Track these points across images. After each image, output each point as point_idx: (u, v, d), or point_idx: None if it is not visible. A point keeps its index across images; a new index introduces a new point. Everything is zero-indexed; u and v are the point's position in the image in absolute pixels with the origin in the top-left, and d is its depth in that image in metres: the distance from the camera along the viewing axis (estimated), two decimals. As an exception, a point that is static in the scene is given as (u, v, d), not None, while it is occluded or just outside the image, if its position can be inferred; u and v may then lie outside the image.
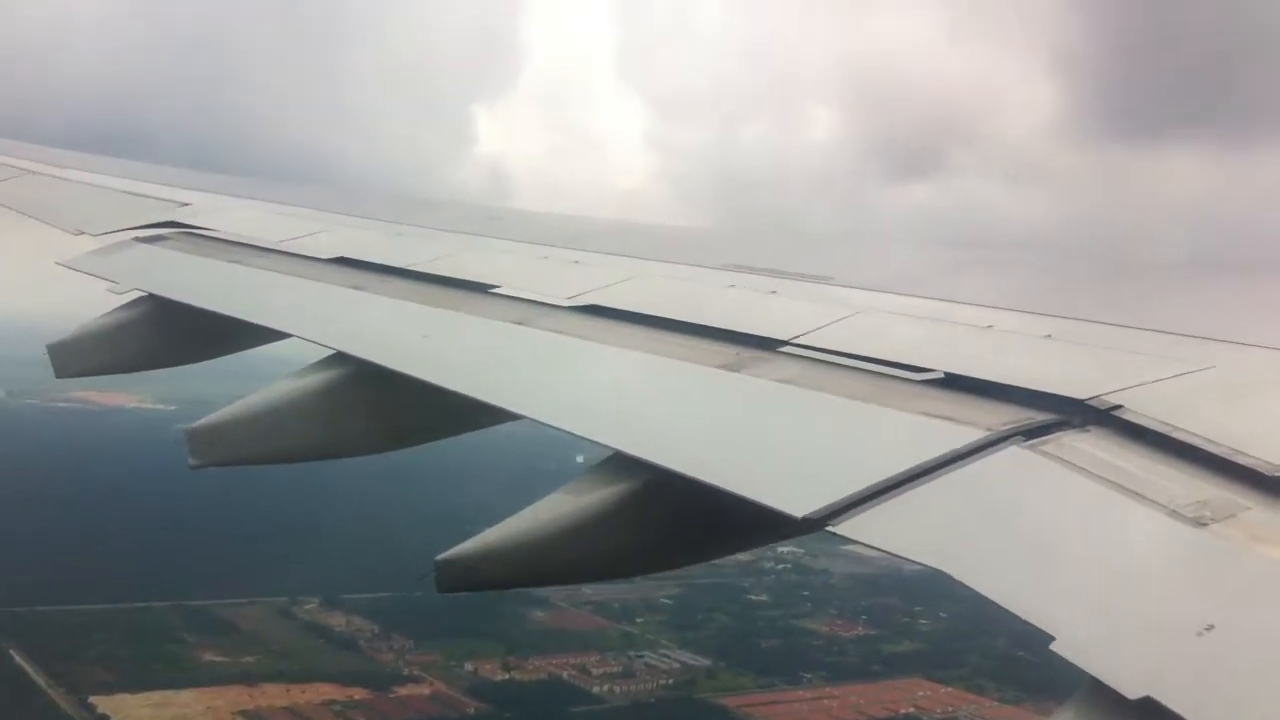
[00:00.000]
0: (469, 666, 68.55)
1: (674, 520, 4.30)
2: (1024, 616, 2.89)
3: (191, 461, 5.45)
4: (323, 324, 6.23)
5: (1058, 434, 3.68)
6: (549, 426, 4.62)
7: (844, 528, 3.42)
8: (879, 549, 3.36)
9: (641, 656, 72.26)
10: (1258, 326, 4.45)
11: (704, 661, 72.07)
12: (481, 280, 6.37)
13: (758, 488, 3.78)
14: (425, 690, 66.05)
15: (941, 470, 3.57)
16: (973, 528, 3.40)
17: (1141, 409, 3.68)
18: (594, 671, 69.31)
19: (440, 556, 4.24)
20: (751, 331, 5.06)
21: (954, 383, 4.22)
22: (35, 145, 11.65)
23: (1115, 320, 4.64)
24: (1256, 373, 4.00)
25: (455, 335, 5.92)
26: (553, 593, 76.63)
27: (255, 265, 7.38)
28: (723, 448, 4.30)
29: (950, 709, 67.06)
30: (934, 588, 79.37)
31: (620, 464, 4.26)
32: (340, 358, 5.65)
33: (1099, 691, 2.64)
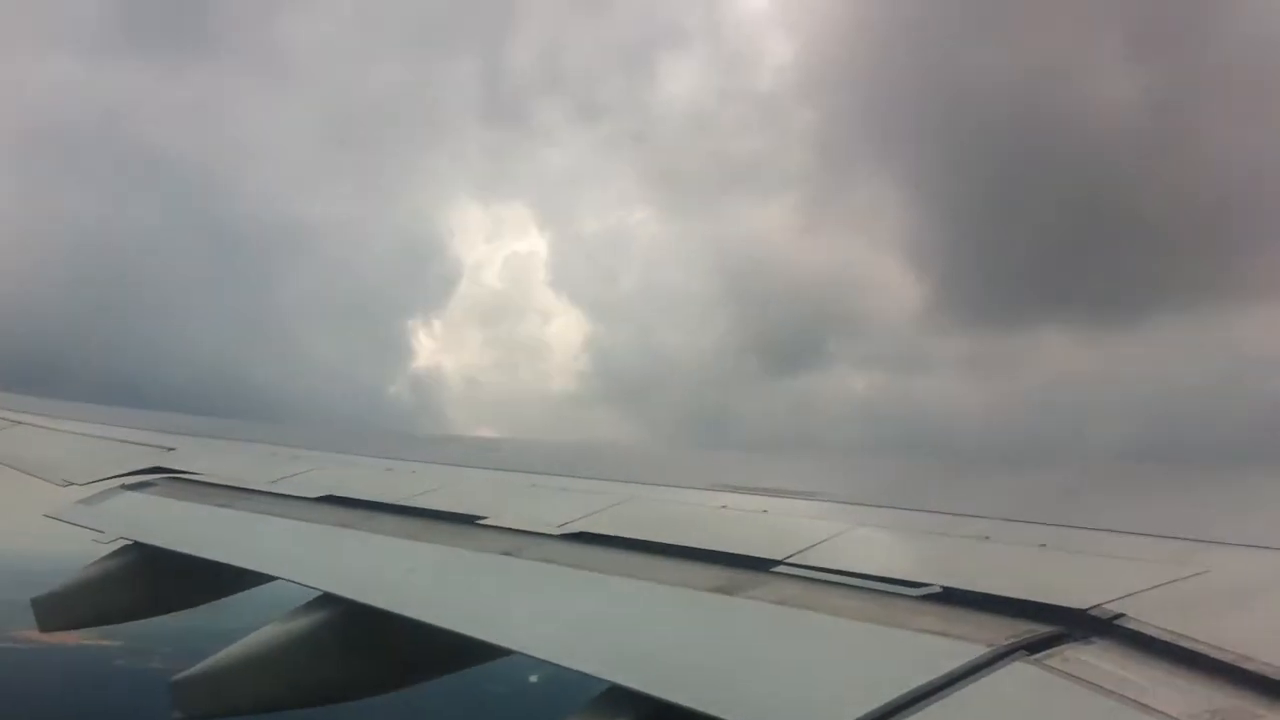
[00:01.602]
0: None
1: None
2: None
3: (176, 715, 5.30)
4: (310, 565, 6.17)
5: (1062, 647, 3.61)
6: (542, 661, 4.52)
7: None
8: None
9: None
10: (1246, 526, 4.43)
11: None
12: (469, 512, 6.35)
13: (757, 716, 3.69)
14: None
15: (946, 689, 3.49)
16: None
17: (1144, 617, 3.63)
18: None
19: None
20: (743, 552, 5.02)
21: (952, 597, 4.17)
22: (18, 395, 11.76)
23: (1106, 525, 4.61)
24: (1253, 575, 3.96)
25: (443, 570, 5.86)
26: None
27: (243, 508, 7.36)
28: (720, 675, 4.19)
29: None
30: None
31: (617, 696, 4.15)
32: (328, 599, 5.57)
33: None
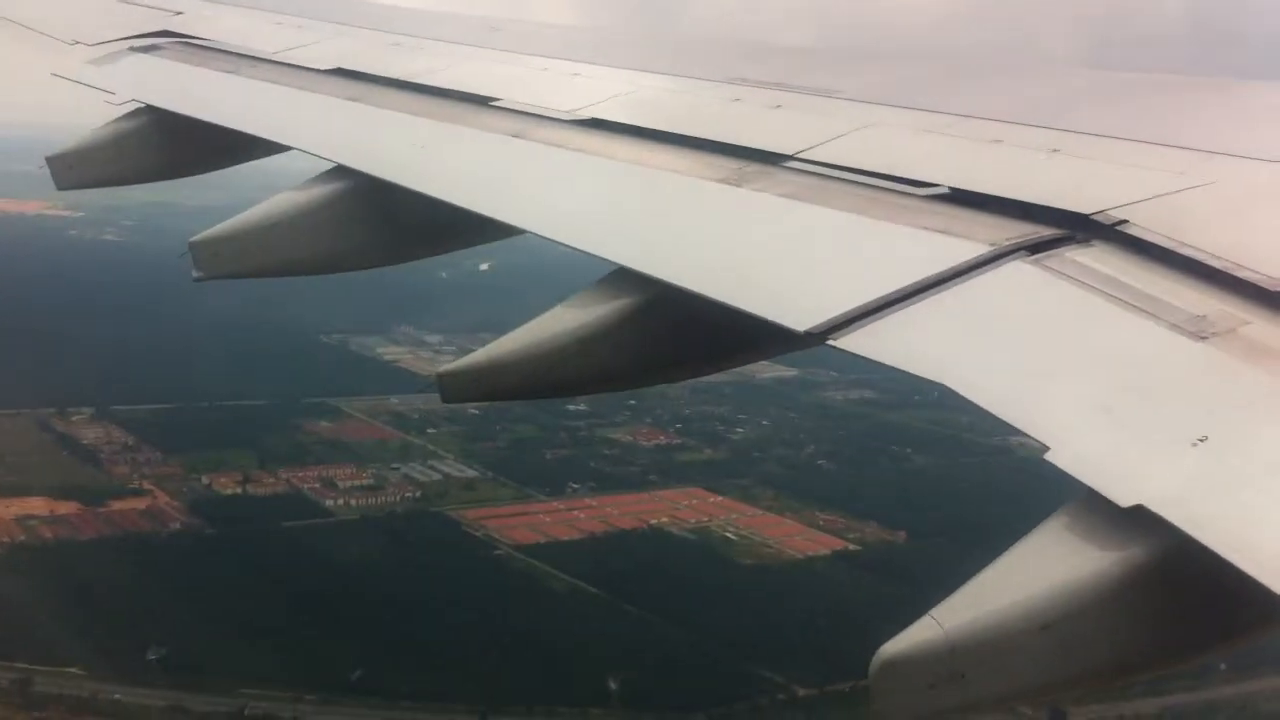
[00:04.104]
0: (205, 480, 63.00)
1: (676, 335, 4.33)
2: (1021, 427, 2.94)
3: (195, 274, 5.45)
4: (322, 137, 6.16)
5: (1062, 249, 3.68)
6: (551, 241, 4.61)
7: (845, 341, 3.45)
8: (880, 362, 3.39)
9: (398, 469, 66.89)
10: (1260, 139, 4.40)
11: (470, 473, 67.07)
12: (481, 93, 6.27)
13: (760, 303, 3.79)
14: (142, 504, 59.88)
15: (944, 285, 3.59)
16: (974, 341, 3.44)
17: (1146, 223, 3.68)
18: (341, 485, 63.58)
19: (443, 369, 4.30)
20: (754, 145, 5.01)
21: (959, 197, 4.20)
22: None
23: (1122, 134, 4.58)
24: (1259, 186, 3.99)
25: (454, 148, 5.87)
26: (349, 401, 73.67)
27: (253, 76, 7.27)
28: (725, 262, 4.29)
29: (707, 518, 62.70)
30: (777, 394, 76.23)
31: (623, 279, 4.27)
32: (341, 171, 5.61)
33: (1092, 500, 2.71)
